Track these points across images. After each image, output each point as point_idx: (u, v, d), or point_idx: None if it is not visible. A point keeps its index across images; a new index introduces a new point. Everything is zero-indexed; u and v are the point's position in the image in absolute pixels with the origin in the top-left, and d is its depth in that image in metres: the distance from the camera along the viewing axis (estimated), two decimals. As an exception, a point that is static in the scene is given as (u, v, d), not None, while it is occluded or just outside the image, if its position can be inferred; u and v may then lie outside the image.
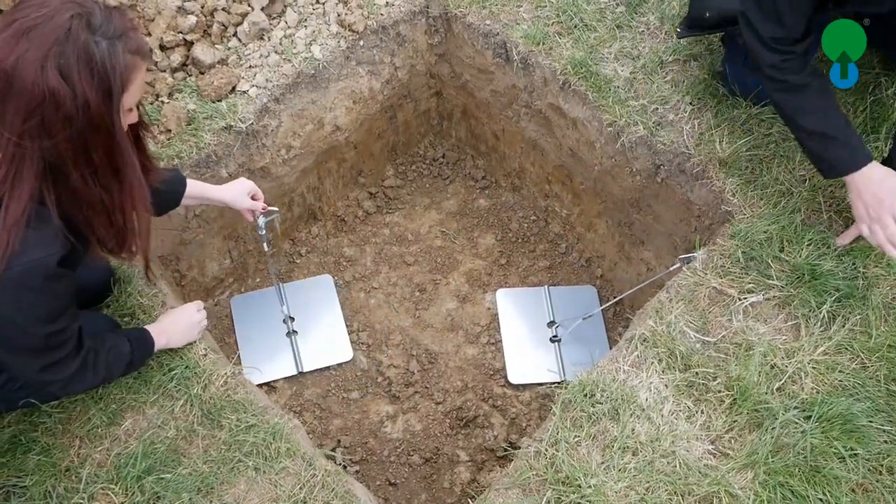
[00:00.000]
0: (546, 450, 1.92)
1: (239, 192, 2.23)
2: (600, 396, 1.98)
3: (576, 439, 1.92)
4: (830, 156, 2.07)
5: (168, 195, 2.06)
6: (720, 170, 2.43)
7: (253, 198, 2.28)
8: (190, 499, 1.86)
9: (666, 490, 1.82)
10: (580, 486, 1.82)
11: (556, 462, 1.88)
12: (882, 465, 1.86)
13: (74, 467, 1.91)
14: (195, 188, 2.15)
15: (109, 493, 1.86)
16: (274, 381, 2.94)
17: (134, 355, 1.93)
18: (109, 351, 1.86)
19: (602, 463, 1.88)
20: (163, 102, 2.60)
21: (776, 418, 1.91)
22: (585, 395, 1.99)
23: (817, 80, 2.09)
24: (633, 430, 1.92)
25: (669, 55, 2.71)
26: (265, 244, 2.40)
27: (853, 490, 1.83)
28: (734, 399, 1.96)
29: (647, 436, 1.91)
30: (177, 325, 2.10)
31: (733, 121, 2.51)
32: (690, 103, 2.58)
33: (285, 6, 2.90)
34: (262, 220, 2.27)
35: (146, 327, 2.02)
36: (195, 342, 2.15)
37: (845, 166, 2.04)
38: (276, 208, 2.31)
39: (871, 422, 1.91)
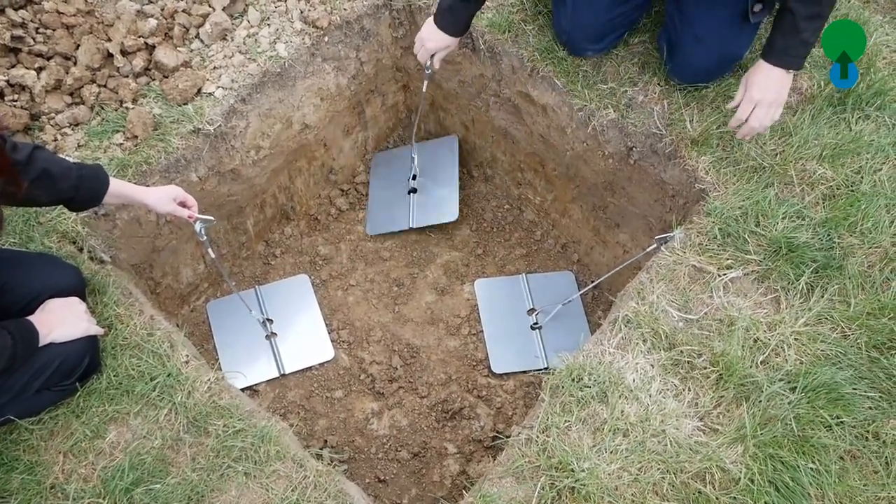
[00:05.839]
0: (537, 436, 1.92)
1: (162, 197, 2.14)
2: (588, 380, 1.98)
3: (566, 424, 1.93)
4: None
5: (86, 193, 1.97)
6: (692, 149, 2.44)
7: (185, 205, 2.21)
8: (181, 508, 1.83)
9: (658, 469, 1.83)
10: (573, 471, 1.83)
11: (548, 448, 1.88)
12: (868, 431, 1.89)
13: (60, 484, 1.87)
14: (118, 188, 2.05)
15: (98, 507, 1.83)
16: (256, 384, 2.91)
17: (17, 348, 1.78)
18: None
19: (594, 446, 1.88)
20: (127, 108, 2.55)
21: (762, 391, 1.93)
22: (573, 380, 1.99)
23: None
24: (623, 411, 1.93)
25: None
26: (209, 250, 2.38)
27: (842, 457, 1.86)
28: (720, 375, 1.98)
29: (636, 416, 1.92)
30: (58, 314, 1.95)
31: (702, 99, 2.53)
32: (659, 84, 2.58)
33: (247, 5, 2.86)
34: (198, 226, 2.24)
35: (28, 318, 1.88)
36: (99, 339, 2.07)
37: None
38: (210, 217, 2.28)
39: (855, 389, 1.94)
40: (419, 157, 3.42)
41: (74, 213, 2.31)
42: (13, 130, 2.41)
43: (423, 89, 2.83)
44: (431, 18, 2.56)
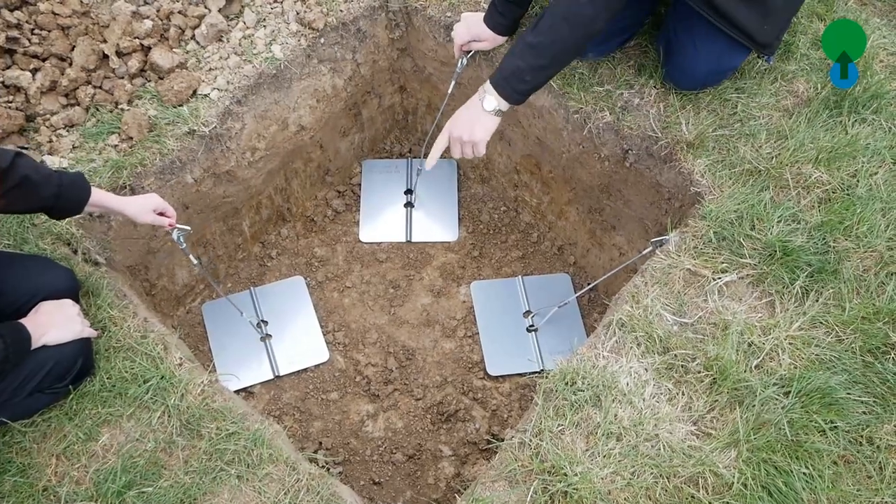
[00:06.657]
0: (530, 440, 1.91)
1: (142, 207, 2.15)
2: (581, 384, 1.98)
3: (559, 428, 1.92)
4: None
5: (67, 202, 1.96)
6: (688, 152, 2.43)
7: (164, 214, 2.23)
8: (173, 511, 1.83)
9: (651, 473, 1.83)
10: (566, 475, 1.82)
11: (541, 452, 1.88)
12: (862, 436, 1.88)
13: (52, 487, 1.86)
14: (98, 197, 2.05)
15: (90, 510, 1.82)
16: (251, 386, 2.91)
17: (9, 351, 1.77)
18: None
19: (587, 450, 1.88)
20: (122, 110, 2.54)
21: (756, 396, 1.93)
22: (567, 384, 1.99)
23: None
24: (616, 415, 1.92)
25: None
26: (191, 257, 2.40)
27: (835, 462, 1.85)
28: (714, 379, 1.97)
29: (630, 420, 1.91)
30: (51, 317, 1.93)
31: (698, 102, 2.52)
32: (655, 87, 2.58)
33: (243, 6, 2.85)
34: (175, 234, 2.27)
35: (21, 321, 1.87)
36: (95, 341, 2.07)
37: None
38: (186, 226, 2.30)
39: (849, 394, 1.93)
40: (416, 174, 3.47)
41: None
42: (7, 132, 2.41)
43: (450, 90, 2.83)
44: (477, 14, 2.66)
